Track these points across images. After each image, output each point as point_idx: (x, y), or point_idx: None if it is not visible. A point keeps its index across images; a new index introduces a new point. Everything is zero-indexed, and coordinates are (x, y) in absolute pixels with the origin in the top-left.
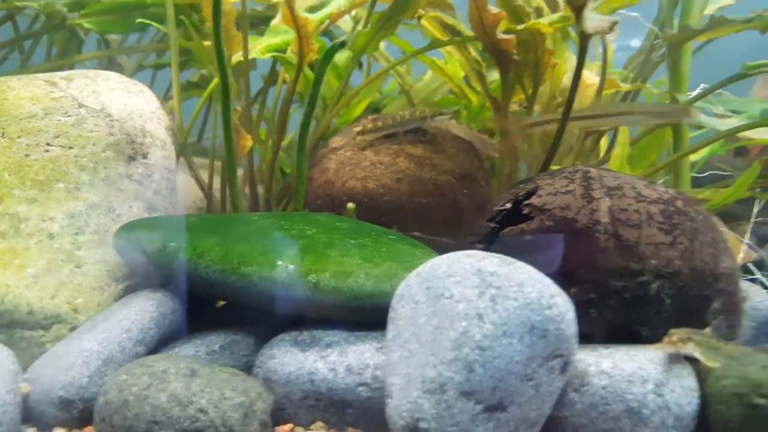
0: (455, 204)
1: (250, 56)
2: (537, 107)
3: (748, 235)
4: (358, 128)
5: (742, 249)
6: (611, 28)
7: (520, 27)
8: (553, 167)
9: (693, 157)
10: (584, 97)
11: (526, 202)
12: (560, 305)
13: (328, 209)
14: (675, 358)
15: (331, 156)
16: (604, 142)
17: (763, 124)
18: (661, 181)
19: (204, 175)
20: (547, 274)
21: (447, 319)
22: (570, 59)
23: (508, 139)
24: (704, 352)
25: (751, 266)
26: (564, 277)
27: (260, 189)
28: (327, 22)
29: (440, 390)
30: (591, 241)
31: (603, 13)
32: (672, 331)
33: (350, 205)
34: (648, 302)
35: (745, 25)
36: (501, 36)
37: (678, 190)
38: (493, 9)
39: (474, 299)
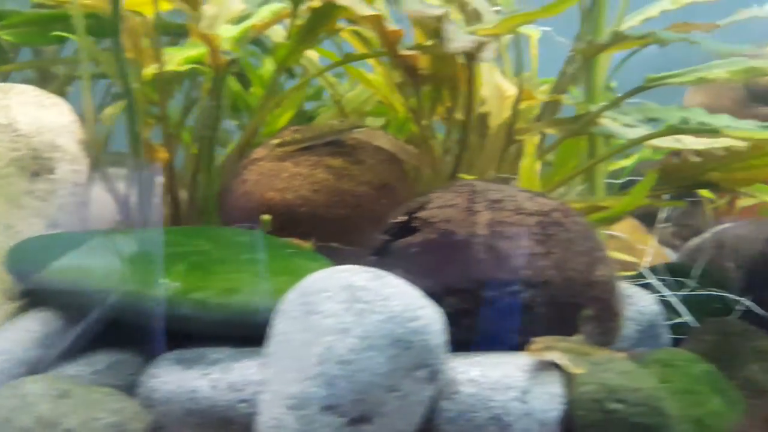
0: (373, 214)
1: (168, 68)
2: (461, 117)
3: (656, 238)
4: (278, 140)
5: (648, 252)
6: (479, 49)
7: (428, 43)
8: (468, 177)
9: (625, 163)
10: (502, 108)
11: (415, 215)
12: (425, 317)
13: (247, 221)
14: (543, 366)
15: (251, 167)
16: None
17: (667, 133)
18: (579, 188)
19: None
20: (428, 286)
21: (315, 335)
22: (490, 70)
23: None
24: (570, 359)
25: (644, 271)
26: (443, 288)
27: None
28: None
29: (303, 405)
30: (469, 253)
31: (505, 30)
32: (535, 339)
33: (265, 216)
34: (520, 311)
35: (642, 41)
36: (404, 52)
37: (560, 202)
38: (392, 26)
39: (341, 314)
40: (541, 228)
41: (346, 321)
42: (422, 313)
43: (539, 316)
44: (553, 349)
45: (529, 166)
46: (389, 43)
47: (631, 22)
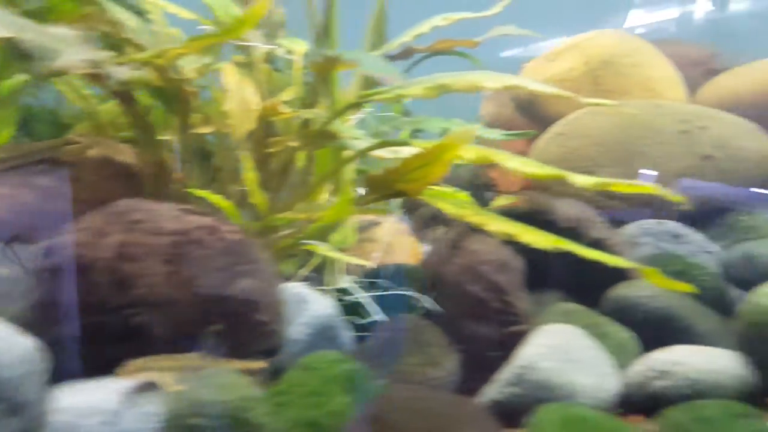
0: None
1: None
2: (212, 129)
3: (387, 240)
4: None
5: (374, 256)
6: (83, 66)
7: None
8: (201, 192)
9: None
10: (246, 122)
11: None
12: None
13: None
14: (144, 387)
15: None
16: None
17: (383, 145)
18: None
19: None
20: (43, 314)
21: None
22: (240, 84)
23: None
24: (176, 377)
25: (344, 276)
26: (59, 316)
27: None
28: None
29: None
30: (90, 278)
31: (192, 50)
32: (129, 362)
33: None
34: (138, 334)
35: (350, 65)
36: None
37: (214, 220)
38: None
39: None
40: (174, 248)
41: None
42: None
43: (159, 336)
44: (150, 369)
45: (251, 178)
46: None
47: (404, 38)
